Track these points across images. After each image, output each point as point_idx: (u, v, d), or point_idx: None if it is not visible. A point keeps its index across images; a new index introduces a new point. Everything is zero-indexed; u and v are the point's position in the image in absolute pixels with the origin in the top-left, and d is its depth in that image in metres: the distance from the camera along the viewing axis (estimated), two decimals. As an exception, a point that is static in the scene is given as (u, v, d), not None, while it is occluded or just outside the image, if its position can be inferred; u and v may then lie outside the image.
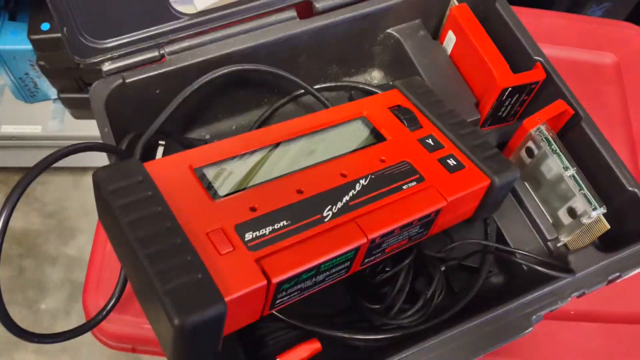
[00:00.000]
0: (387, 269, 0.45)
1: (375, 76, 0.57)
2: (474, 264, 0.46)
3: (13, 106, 0.92)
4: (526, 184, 0.49)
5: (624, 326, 0.50)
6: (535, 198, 0.48)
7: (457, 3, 0.52)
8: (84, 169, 1.14)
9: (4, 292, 0.34)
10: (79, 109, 0.89)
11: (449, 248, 0.44)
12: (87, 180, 1.14)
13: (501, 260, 0.47)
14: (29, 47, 0.77)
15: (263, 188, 0.37)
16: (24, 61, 0.83)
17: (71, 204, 1.13)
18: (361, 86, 0.54)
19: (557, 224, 0.47)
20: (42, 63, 0.79)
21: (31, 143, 0.93)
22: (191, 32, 0.46)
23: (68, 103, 0.87)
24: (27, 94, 0.89)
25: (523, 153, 0.48)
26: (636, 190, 0.44)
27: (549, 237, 0.47)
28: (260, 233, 0.34)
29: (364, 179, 0.39)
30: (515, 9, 0.63)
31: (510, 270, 0.47)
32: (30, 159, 0.99)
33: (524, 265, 0.42)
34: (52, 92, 0.89)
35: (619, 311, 0.52)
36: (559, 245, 0.47)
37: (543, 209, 0.48)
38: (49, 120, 0.91)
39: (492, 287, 0.47)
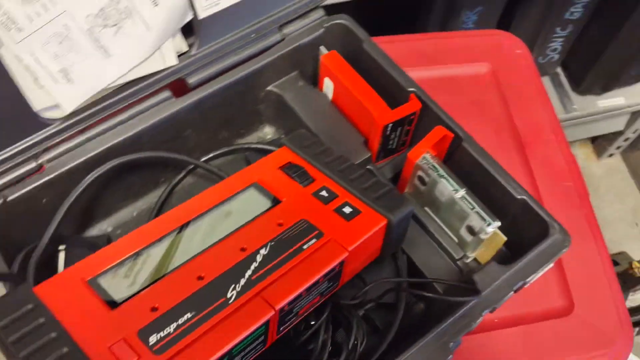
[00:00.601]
0: (312, 323, 0.45)
1: (268, 131, 0.58)
2: (392, 301, 0.47)
3: None
4: (427, 210, 0.51)
5: (542, 323, 0.53)
6: (438, 221, 0.50)
7: (326, 51, 0.53)
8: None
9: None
10: None
11: (363, 292, 0.45)
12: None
13: (417, 289, 0.49)
14: None
15: (162, 283, 0.37)
16: None
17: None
18: (253, 146, 0.55)
19: (461, 243, 0.49)
20: None
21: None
22: (66, 135, 0.45)
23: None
24: None
25: (416, 181, 0.50)
26: (524, 197, 0.47)
27: (456, 257, 0.49)
28: (165, 333, 0.34)
29: (264, 249, 0.40)
30: (388, 38, 0.66)
31: (427, 298, 0.48)
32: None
33: (434, 294, 0.44)
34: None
35: (536, 310, 0.54)
36: (468, 261, 0.49)
37: (447, 231, 0.50)
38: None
39: (415, 316, 0.48)
